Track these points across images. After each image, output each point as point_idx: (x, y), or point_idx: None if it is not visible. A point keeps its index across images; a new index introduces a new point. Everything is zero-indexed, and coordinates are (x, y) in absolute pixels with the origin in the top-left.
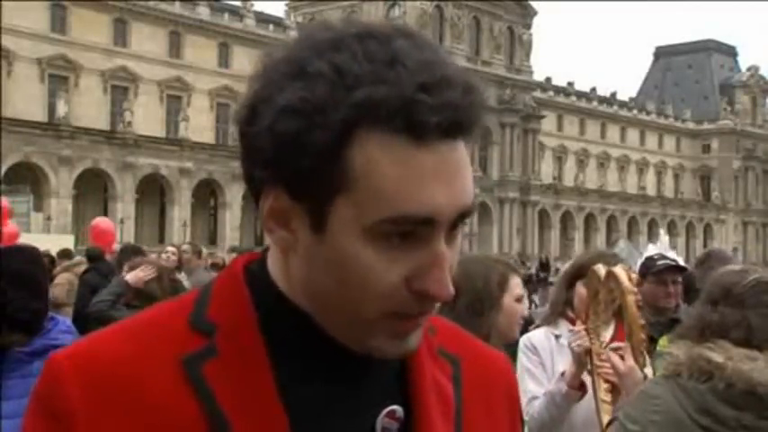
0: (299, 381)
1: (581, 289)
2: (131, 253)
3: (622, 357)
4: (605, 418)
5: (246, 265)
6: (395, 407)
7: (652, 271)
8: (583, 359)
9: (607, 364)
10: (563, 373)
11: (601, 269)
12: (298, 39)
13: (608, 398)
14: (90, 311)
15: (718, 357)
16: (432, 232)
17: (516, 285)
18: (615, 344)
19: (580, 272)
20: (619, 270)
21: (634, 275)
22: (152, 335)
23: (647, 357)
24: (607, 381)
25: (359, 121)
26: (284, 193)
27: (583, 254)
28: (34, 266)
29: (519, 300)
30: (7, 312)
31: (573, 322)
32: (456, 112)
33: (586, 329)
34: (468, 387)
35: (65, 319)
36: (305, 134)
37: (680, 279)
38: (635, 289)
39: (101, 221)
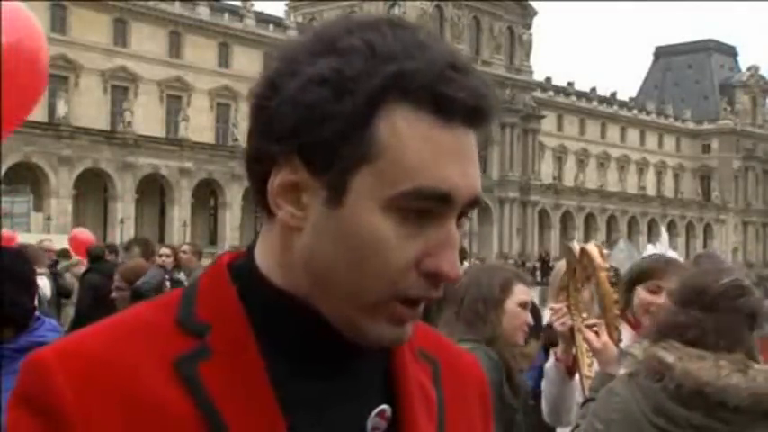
0: (291, 377)
1: (642, 293)
2: (143, 246)
3: (597, 333)
4: (588, 392)
5: (231, 263)
6: (385, 406)
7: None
8: (568, 336)
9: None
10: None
11: (576, 246)
12: (324, 23)
13: (591, 372)
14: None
15: (669, 357)
16: (447, 212)
17: (521, 292)
18: (590, 320)
19: (640, 276)
20: (591, 247)
21: (606, 252)
22: (139, 334)
23: (621, 333)
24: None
25: (389, 92)
26: (302, 165)
27: (643, 259)
28: (25, 264)
29: (524, 306)
30: (4, 308)
31: (632, 326)
32: (479, 97)
33: (568, 306)
34: (447, 388)
35: (50, 319)
36: (333, 103)
37: None
38: (607, 265)
39: (78, 233)
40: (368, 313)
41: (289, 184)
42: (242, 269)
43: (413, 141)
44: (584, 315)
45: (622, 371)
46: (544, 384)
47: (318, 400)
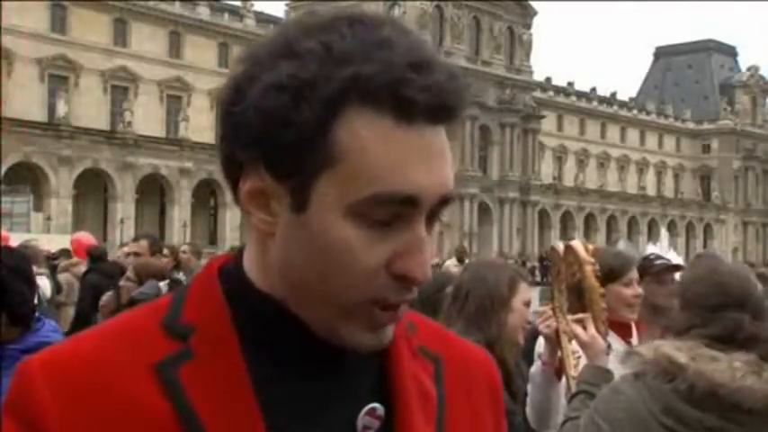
0: (276, 379)
1: (619, 290)
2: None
3: (584, 327)
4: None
5: (221, 266)
6: (375, 405)
7: (650, 271)
8: (553, 339)
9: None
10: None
11: (560, 246)
12: (284, 24)
13: (576, 373)
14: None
15: (681, 358)
16: (413, 214)
17: (525, 290)
18: (577, 315)
19: (609, 276)
20: (575, 243)
21: (591, 246)
22: (124, 339)
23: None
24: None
25: (347, 97)
26: (266, 172)
27: (603, 260)
28: (27, 264)
29: (527, 304)
30: (12, 306)
31: (611, 325)
32: (443, 94)
33: (552, 309)
34: (450, 386)
35: (50, 320)
36: (292, 109)
37: (677, 277)
38: (592, 259)
39: (81, 237)
40: (344, 318)
41: (257, 190)
42: (231, 272)
43: (374, 145)
44: (569, 317)
45: (626, 370)
46: (530, 389)
47: (306, 402)
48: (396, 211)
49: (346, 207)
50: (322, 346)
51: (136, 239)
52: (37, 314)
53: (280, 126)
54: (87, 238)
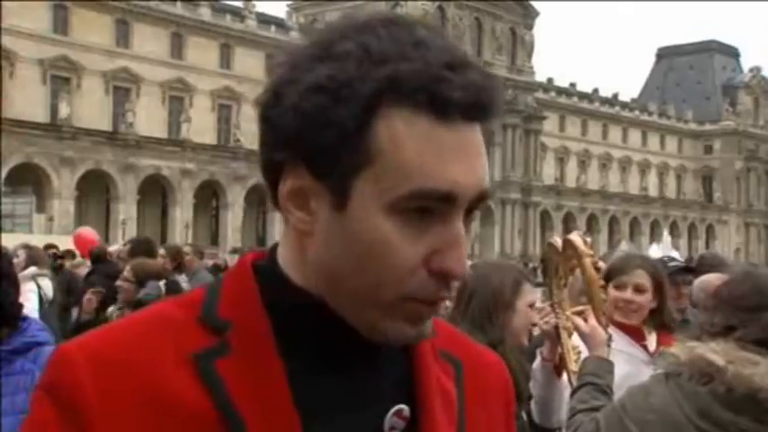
0: (310, 376)
1: (611, 291)
2: (144, 246)
3: (585, 319)
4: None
5: (254, 262)
6: (403, 406)
7: (666, 272)
8: (553, 335)
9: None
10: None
11: (558, 241)
12: (321, 28)
13: (578, 368)
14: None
15: (719, 360)
16: (451, 210)
17: (529, 292)
18: (578, 307)
19: (606, 276)
20: (574, 236)
21: (589, 240)
22: (161, 329)
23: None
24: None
25: (384, 95)
26: (306, 171)
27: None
28: (10, 264)
29: (531, 306)
30: (2, 307)
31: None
32: (479, 92)
33: (551, 305)
34: (469, 389)
35: (35, 318)
36: (331, 109)
37: (690, 279)
38: (591, 252)
39: (82, 231)
40: (384, 313)
41: (296, 189)
42: (265, 268)
43: (411, 143)
44: (568, 313)
45: (656, 370)
46: (532, 385)
47: (336, 400)
48: (433, 207)
49: (386, 204)
50: (355, 343)
51: (132, 254)
52: (24, 314)
53: (319, 126)
54: (89, 232)
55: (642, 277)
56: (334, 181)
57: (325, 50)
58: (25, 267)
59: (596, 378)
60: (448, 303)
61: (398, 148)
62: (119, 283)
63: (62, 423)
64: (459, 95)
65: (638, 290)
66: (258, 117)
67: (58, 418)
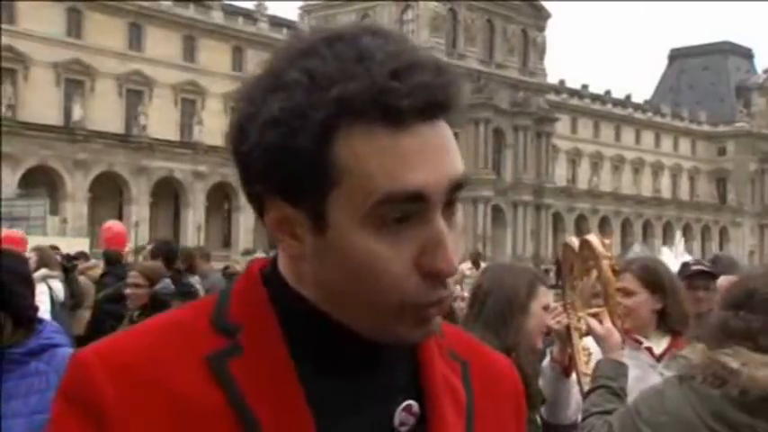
0: (319, 376)
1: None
2: (168, 247)
3: (600, 321)
4: (587, 389)
5: (261, 269)
6: (411, 402)
7: (684, 275)
8: (564, 335)
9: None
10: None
11: (574, 242)
12: (275, 52)
13: (588, 370)
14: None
15: (733, 363)
16: (426, 210)
17: (544, 294)
18: (593, 309)
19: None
20: (592, 237)
21: (607, 242)
22: (175, 334)
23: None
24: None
25: (337, 118)
26: (282, 201)
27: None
28: (26, 264)
29: (546, 308)
30: (16, 310)
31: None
32: (430, 92)
33: (564, 306)
34: (477, 390)
35: (51, 321)
36: (288, 141)
37: (713, 285)
38: (609, 254)
39: (113, 224)
40: (390, 320)
41: (279, 218)
42: (269, 275)
43: (373, 156)
44: (580, 314)
45: (668, 373)
46: (541, 383)
47: (346, 398)
48: (409, 211)
49: (361, 219)
50: (361, 344)
51: (154, 255)
52: (39, 316)
53: (281, 159)
54: (118, 225)
55: (627, 280)
56: (308, 207)
57: (275, 79)
58: (36, 269)
59: (610, 381)
60: (462, 305)
61: (361, 163)
62: (128, 291)
63: (86, 428)
64: (408, 102)
65: (625, 293)
66: (231, 154)
67: (81, 424)
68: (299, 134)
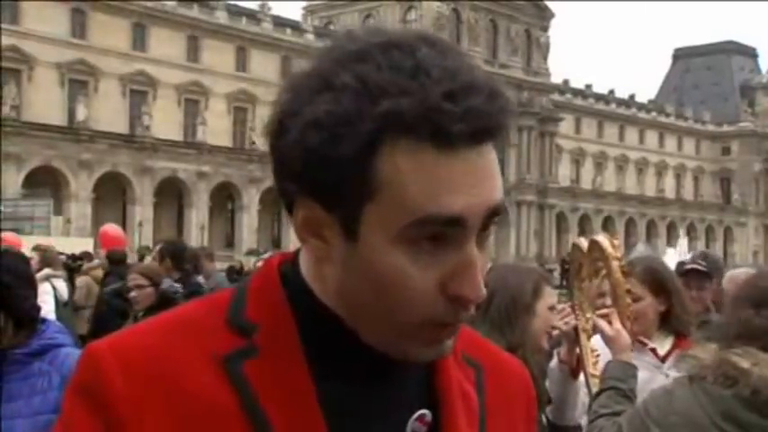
0: (334, 381)
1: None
2: (177, 247)
3: (610, 322)
4: (594, 390)
5: (280, 266)
6: (425, 411)
7: (678, 273)
8: (572, 336)
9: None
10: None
11: (583, 242)
12: (323, 50)
13: (596, 371)
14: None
15: (744, 363)
16: (461, 235)
17: (549, 294)
18: (602, 310)
19: None
20: (601, 238)
21: (617, 242)
22: (189, 331)
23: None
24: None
25: (384, 132)
26: (316, 203)
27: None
28: (29, 267)
29: (552, 309)
30: (18, 311)
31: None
32: (481, 118)
33: (572, 307)
34: (490, 394)
35: (54, 320)
36: (331, 147)
37: (708, 285)
38: (618, 255)
39: (110, 228)
40: (404, 336)
41: (309, 218)
42: (289, 274)
43: (415, 174)
44: (588, 315)
45: (674, 373)
46: (548, 384)
47: (359, 405)
48: (442, 232)
49: (395, 234)
50: (377, 353)
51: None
52: (41, 316)
53: (320, 163)
54: (115, 229)
55: (631, 284)
56: (342, 213)
57: (324, 81)
58: (39, 269)
59: (619, 382)
60: None
61: (403, 179)
62: (133, 294)
63: (93, 422)
64: (460, 128)
65: (631, 298)
66: (268, 146)
67: (89, 417)
68: (342, 141)
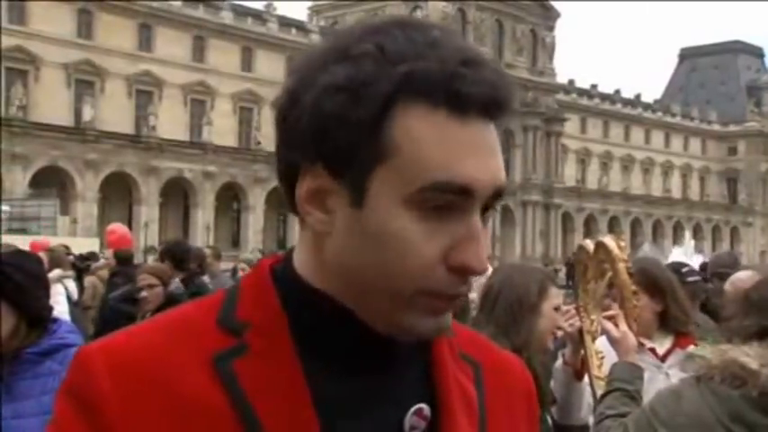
0: (328, 377)
1: None
2: (179, 248)
3: (616, 324)
4: (599, 393)
5: (272, 266)
6: (423, 405)
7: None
8: (577, 338)
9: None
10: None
11: (589, 244)
12: (338, 32)
13: (601, 373)
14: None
15: (752, 364)
16: (468, 205)
17: (555, 295)
18: (609, 312)
19: None
20: (607, 239)
21: (623, 243)
22: (181, 332)
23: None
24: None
25: (401, 93)
26: (323, 171)
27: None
28: (42, 267)
29: (557, 309)
30: (31, 311)
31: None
32: (494, 89)
33: (577, 308)
34: (489, 392)
35: (66, 320)
36: (349, 109)
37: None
38: (625, 256)
39: (117, 227)
40: (402, 308)
41: (314, 189)
42: (282, 271)
43: (428, 139)
44: (593, 317)
45: (674, 372)
46: (553, 385)
47: (355, 400)
48: (450, 201)
49: (403, 199)
50: (373, 344)
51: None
52: (53, 316)
53: (337, 125)
54: (122, 228)
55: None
56: (351, 178)
57: (341, 52)
58: (49, 270)
59: (625, 384)
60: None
61: (415, 143)
62: (144, 294)
63: (81, 424)
64: (474, 91)
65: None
66: (274, 119)
67: (79, 418)
68: (360, 103)
